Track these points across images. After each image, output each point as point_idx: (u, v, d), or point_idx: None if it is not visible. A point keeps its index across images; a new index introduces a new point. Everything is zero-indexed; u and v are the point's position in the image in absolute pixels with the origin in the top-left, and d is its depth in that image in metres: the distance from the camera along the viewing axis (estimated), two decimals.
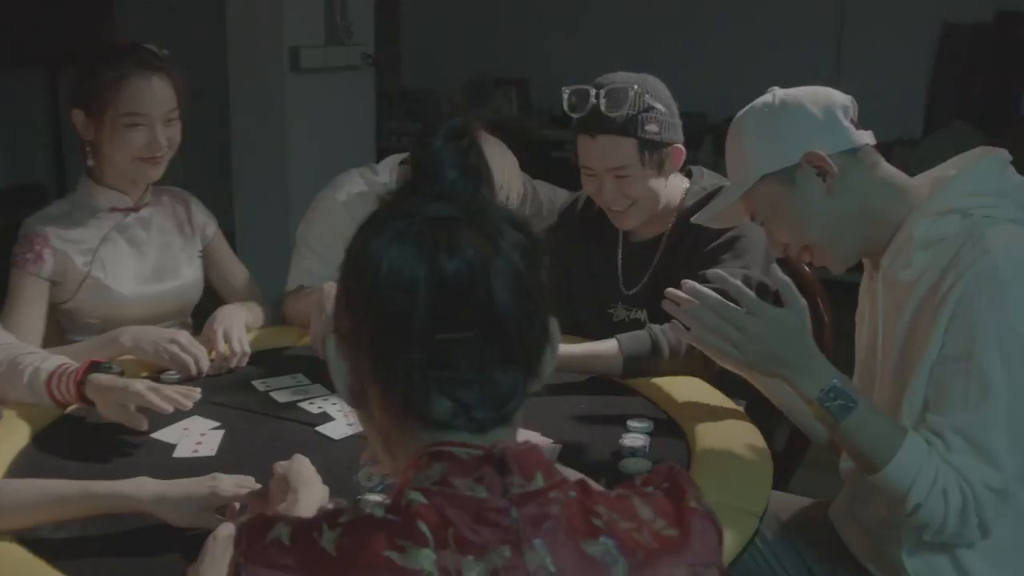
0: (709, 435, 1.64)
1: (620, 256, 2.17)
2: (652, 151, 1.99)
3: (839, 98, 1.56)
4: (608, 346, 1.89)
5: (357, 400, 0.93)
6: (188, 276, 2.25)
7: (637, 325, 2.09)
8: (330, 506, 1.26)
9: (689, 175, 2.16)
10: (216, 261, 2.33)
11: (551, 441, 1.64)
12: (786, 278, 1.47)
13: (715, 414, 1.73)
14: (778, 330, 1.44)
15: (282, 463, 1.31)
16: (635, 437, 1.61)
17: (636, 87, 1.96)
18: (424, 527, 0.79)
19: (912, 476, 1.36)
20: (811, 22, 5.88)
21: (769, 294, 2.02)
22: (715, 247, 1.99)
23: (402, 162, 2.30)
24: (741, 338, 1.46)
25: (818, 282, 2.27)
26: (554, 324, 0.92)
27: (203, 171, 5.50)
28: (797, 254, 1.62)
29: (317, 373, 1.94)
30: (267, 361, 2.05)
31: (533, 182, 2.56)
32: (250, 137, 4.18)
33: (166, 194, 2.30)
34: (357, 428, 1.62)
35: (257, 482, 1.35)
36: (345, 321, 0.90)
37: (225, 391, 1.88)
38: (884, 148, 1.62)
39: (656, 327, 1.91)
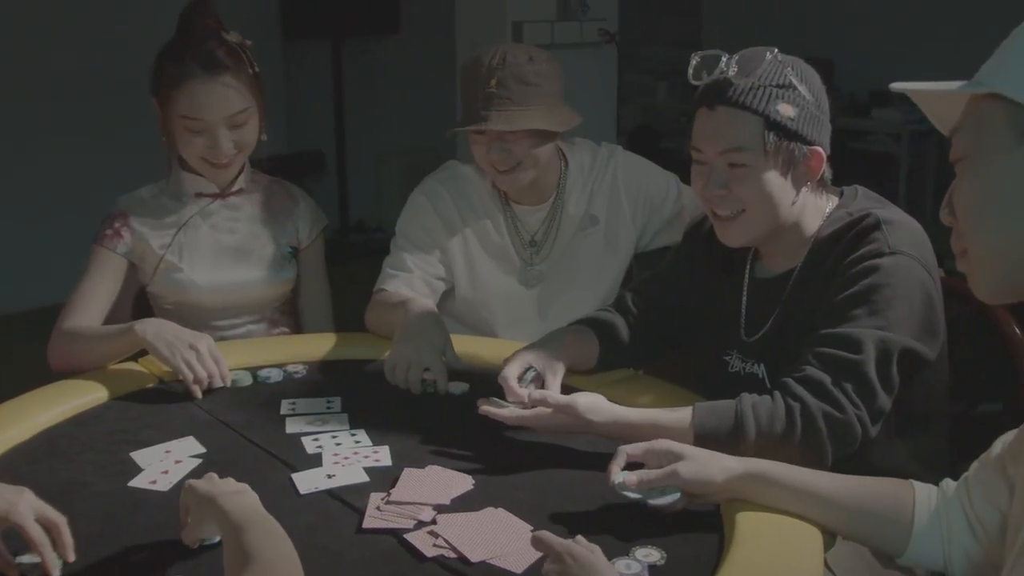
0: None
1: (745, 294, 1.70)
2: (781, 138, 1.51)
3: None
4: (677, 417, 1.46)
5: None
6: (270, 269, 2.06)
7: (752, 382, 1.64)
8: None
9: (841, 195, 1.64)
10: (300, 271, 2.13)
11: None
12: None
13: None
14: None
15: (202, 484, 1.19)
16: (629, 564, 1.18)
17: (776, 52, 1.51)
18: None
19: None
20: None
21: (925, 365, 1.49)
22: (848, 296, 1.47)
23: None
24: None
25: None
26: None
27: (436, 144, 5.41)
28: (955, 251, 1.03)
29: (355, 400, 1.70)
30: (331, 371, 1.85)
31: (681, 186, 2.13)
32: None
33: (276, 184, 2.13)
34: (332, 484, 1.41)
35: None
36: None
37: (243, 409, 1.68)
38: None
39: (748, 399, 1.45)
